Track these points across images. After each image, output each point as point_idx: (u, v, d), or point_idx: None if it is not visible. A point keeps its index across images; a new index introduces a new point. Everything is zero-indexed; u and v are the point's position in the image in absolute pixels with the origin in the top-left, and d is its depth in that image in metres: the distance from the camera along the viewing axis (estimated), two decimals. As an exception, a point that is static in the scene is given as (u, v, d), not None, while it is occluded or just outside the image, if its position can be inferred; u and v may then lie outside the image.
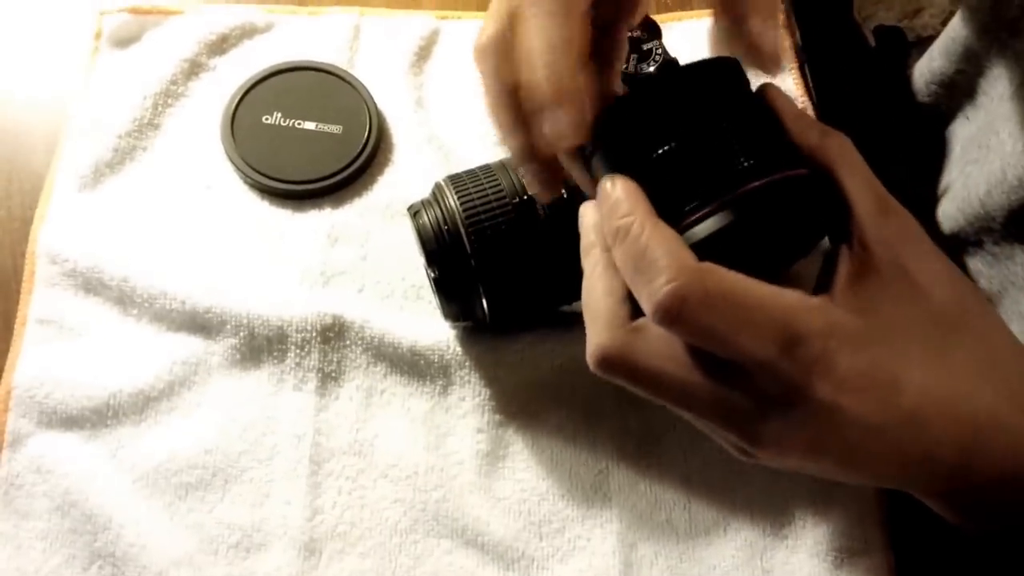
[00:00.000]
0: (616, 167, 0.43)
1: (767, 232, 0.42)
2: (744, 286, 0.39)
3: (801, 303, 0.39)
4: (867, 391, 0.39)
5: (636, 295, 0.41)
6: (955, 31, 0.67)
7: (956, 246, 0.66)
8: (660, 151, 0.42)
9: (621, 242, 0.41)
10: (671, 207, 0.41)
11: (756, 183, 0.41)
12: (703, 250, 0.40)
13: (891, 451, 0.40)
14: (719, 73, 0.44)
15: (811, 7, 0.83)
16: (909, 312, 0.40)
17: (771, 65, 0.44)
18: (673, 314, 0.38)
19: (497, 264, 0.55)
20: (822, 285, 0.42)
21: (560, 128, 0.42)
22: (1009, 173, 0.59)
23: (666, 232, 0.40)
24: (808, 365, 0.38)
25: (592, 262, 0.44)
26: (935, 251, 0.43)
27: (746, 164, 0.41)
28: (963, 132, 0.67)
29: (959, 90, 0.67)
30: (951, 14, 0.69)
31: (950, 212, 0.66)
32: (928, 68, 0.70)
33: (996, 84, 0.64)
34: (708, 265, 0.39)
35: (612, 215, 0.41)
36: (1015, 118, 0.60)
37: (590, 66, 0.46)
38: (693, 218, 0.41)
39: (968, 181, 0.64)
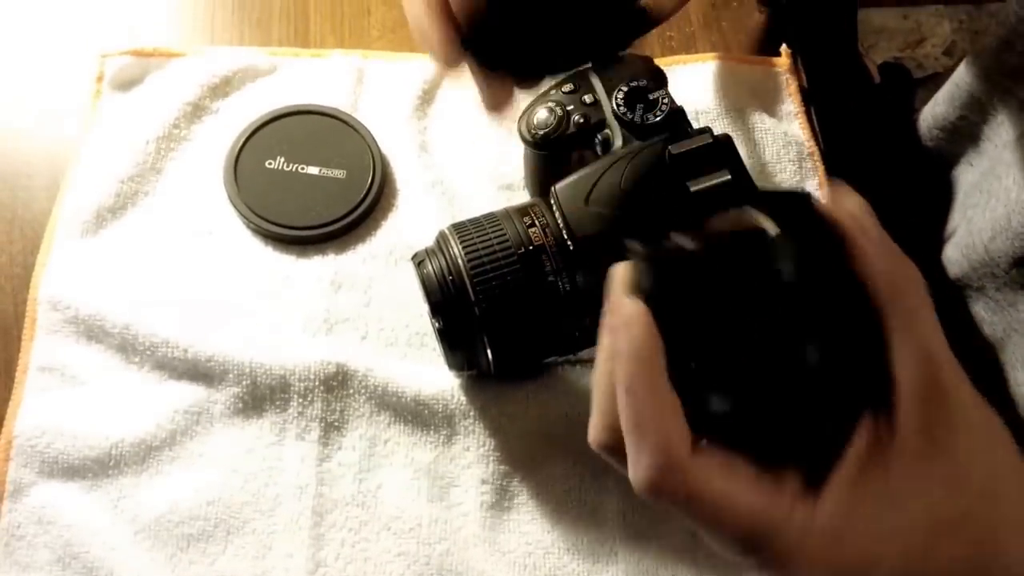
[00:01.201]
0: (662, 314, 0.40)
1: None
2: (720, 491, 0.37)
3: (779, 508, 0.37)
4: None
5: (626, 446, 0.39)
6: (960, 78, 0.67)
7: (960, 291, 0.66)
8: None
9: (624, 394, 0.38)
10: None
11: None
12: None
13: None
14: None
15: (817, 44, 0.83)
16: (905, 514, 0.37)
17: None
18: (647, 495, 0.38)
19: (502, 315, 0.55)
20: (817, 468, 0.37)
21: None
22: (1014, 220, 0.59)
23: (666, 405, 0.38)
24: (772, 566, 0.37)
25: (631, 370, 0.39)
26: (980, 448, 0.38)
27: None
28: (967, 177, 0.67)
29: (963, 136, 0.68)
30: (953, 44, 0.69)
31: (954, 257, 0.66)
32: (932, 113, 0.70)
33: (1000, 131, 0.64)
34: (695, 461, 0.37)
35: (624, 359, 0.39)
36: (1019, 164, 0.60)
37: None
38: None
39: (971, 226, 0.64)
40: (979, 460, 0.38)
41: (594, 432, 0.41)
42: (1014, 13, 0.62)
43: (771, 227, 0.39)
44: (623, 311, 0.39)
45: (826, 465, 0.37)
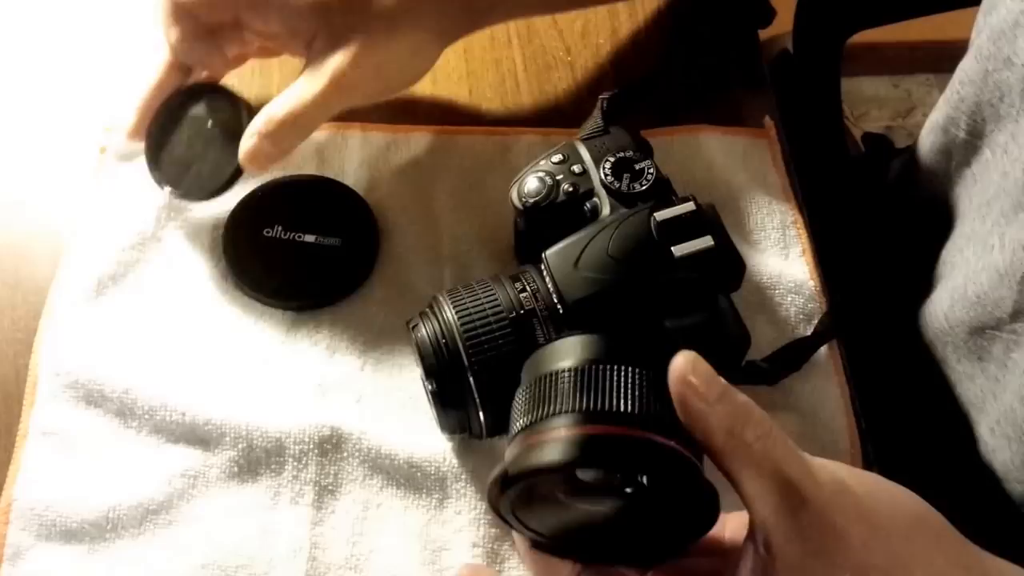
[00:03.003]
0: None
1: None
2: None
3: None
4: None
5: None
6: (920, 151, 0.69)
7: (930, 360, 0.67)
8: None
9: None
10: None
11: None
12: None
13: None
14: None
15: (800, 115, 0.86)
16: None
17: None
18: None
19: (494, 378, 0.56)
20: None
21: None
22: (970, 289, 0.60)
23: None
24: None
25: None
26: (876, 531, 0.41)
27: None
28: (939, 247, 0.69)
29: (927, 208, 0.69)
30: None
31: (923, 324, 0.67)
32: (898, 185, 0.72)
33: (960, 204, 0.66)
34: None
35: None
36: (977, 236, 0.62)
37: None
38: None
39: (935, 295, 0.66)
40: (878, 544, 0.40)
41: None
42: (955, 91, 0.64)
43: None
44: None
45: None
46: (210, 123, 0.69)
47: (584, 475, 0.44)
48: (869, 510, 0.41)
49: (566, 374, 0.45)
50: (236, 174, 0.67)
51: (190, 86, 0.69)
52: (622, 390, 0.43)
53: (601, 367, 0.45)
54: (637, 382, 0.43)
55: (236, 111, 0.68)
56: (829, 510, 0.40)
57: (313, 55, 0.63)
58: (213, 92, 0.69)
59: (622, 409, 0.42)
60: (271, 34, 0.66)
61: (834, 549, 0.39)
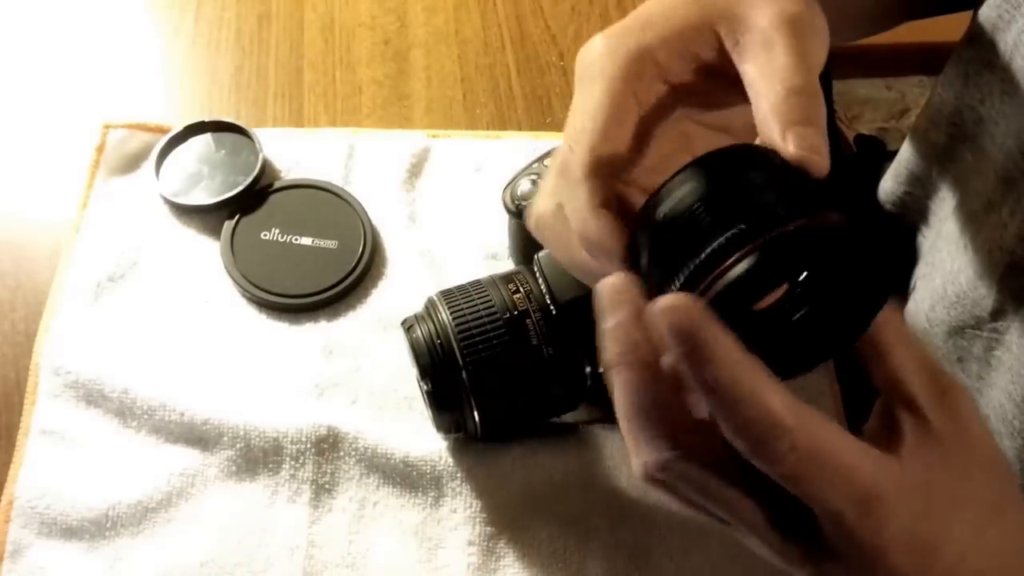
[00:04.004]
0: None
1: (804, 280, 0.39)
2: (836, 441, 0.38)
3: (881, 465, 0.39)
4: (911, 552, 0.40)
5: (744, 439, 0.38)
6: (903, 155, 0.70)
7: None
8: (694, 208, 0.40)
9: (732, 403, 0.38)
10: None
11: (790, 226, 0.38)
12: (733, 297, 0.38)
13: None
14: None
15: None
16: (960, 487, 0.41)
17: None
18: (779, 462, 0.38)
19: (488, 378, 0.57)
20: (886, 443, 0.40)
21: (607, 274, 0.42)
22: (949, 289, 0.61)
23: (775, 384, 0.38)
24: (873, 525, 0.39)
25: (629, 370, 0.40)
26: (985, 433, 0.43)
27: (781, 212, 0.39)
28: (922, 248, 0.70)
29: (912, 210, 0.70)
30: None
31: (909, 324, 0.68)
32: (883, 189, 0.73)
33: (942, 205, 0.66)
34: (815, 416, 0.38)
35: (716, 369, 0.38)
36: (954, 236, 0.62)
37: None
38: (725, 264, 0.38)
39: (916, 296, 0.67)
40: (997, 453, 0.43)
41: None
42: (937, 95, 0.65)
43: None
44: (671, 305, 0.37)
45: (888, 439, 0.40)
46: (219, 149, 0.72)
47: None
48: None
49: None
50: (241, 192, 0.70)
51: (199, 122, 0.73)
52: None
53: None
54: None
55: (247, 139, 0.73)
56: (966, 401, 0.42)
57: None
58: (221, 126, 0.73)
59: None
60: None
61: (969, 442, 0.42)
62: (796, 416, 0.37)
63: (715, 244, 0.39)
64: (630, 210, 0.45)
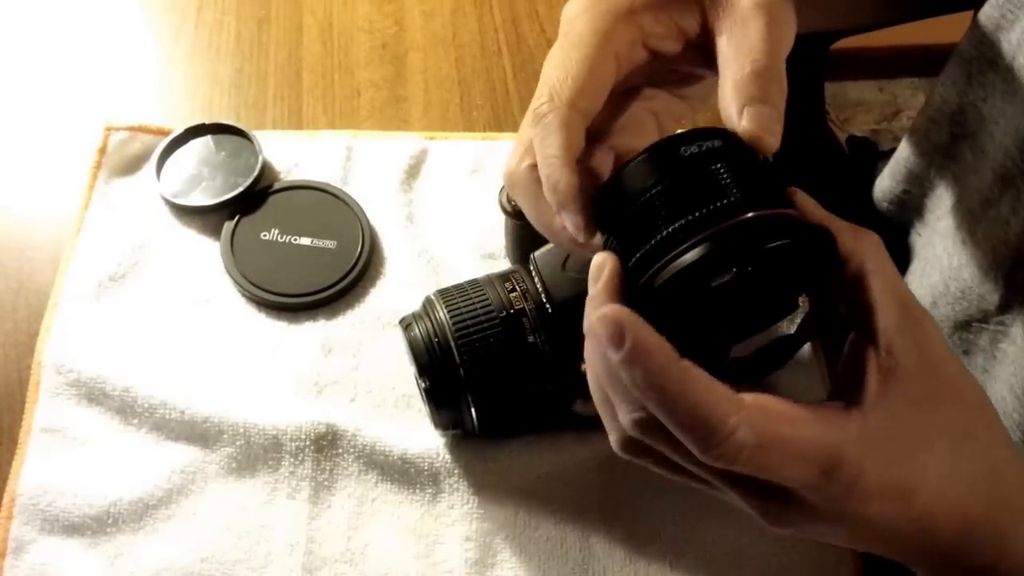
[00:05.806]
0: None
1: (753, 270, 0.41)
2: (786, 423, 0.39)
3: (839, 428, 0.40)
4: (888, 499, 0.41)
5: (691, 442, 0.40)
6: (900, 153, 0.71)
7: None
8: (652, 192, 0.42)
9: (666, 402, 0.39)
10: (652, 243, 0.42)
11: (744, 216, 0.40)
12: (682, 283, 0.40)
13: (897, 542, 0.44)
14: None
15: (785, 118, 0.87)
16: (930, 422, 0.42)
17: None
18: (742, 458, 0.39)
19: (485, 375, 0.58)
20: (850, 394, 0.42)
21: (570, 228, 0.45)
22: (951, 286, 0.62)
23: (712, 384, 0.39)
24: (843, 487, 0.40)
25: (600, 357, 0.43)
26: (952, 359, 0.44)
27: (734, 199, 0.41)
28: (916, 246, 0.70)
29: (909, 208, 0.71)
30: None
31: None
32: (880, 187, 0.73)
33: (940, 203, 0.67)
34: (758, 405, 0.39)
35: (644, 378, 0.39)
36: (951, 233, 0.63)
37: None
38: (677, 251, 0.41)
39: (916, 293, 0.67)
40: (965, 378, 0.44)
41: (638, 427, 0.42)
42: (939, 93, 0.65)
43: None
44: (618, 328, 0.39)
45: (852, 389, 0.41)
46: (219, 151, 0.73)
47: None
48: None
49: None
50: (241, 193, 0.71)
51: (199, 125, 0.74)
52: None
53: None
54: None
55: (246, 141, 0.74)
56: (933, 329, 0.43)
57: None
58: (221, 128, 0.74)
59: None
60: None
61: (936, 372, 0.43)
62: (739, 409, 0.39)
63: (668, 229, 0.41)
64: (599, 169, 0.48)
